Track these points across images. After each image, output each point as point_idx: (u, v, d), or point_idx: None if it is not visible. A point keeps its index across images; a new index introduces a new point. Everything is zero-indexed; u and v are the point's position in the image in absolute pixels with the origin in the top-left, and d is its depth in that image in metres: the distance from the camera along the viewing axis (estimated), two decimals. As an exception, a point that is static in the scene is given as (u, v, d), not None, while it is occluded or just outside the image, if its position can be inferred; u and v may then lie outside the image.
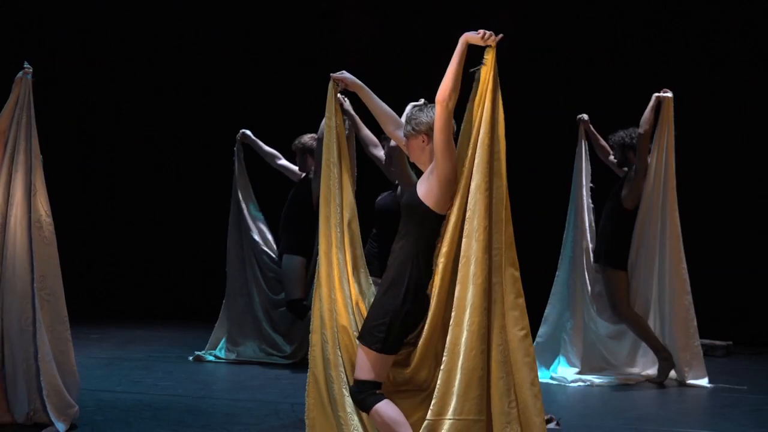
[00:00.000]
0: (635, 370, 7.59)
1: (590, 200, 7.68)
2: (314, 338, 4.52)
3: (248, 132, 8.26)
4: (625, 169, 7.56)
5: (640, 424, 6.09)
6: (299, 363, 7.83)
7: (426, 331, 4.24)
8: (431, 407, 4.16)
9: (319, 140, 6.33)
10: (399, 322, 4.23)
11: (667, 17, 10.03)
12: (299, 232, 7.91)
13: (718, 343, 8.89)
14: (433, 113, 4.27)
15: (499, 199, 4.19)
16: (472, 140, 4.22)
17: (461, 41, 4.21)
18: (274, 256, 8.14)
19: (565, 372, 7.40)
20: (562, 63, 9.97)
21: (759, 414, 6.42)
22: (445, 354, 4.16)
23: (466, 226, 4.17)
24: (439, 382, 4.16)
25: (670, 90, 7.42)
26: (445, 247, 4.22)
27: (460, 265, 4.18)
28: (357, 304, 4.47)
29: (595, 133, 7.74)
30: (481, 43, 4.20)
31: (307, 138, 7.99)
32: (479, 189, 4.16)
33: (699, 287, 7.52)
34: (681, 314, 7.31)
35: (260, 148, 8.27)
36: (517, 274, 4.20)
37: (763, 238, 9.73)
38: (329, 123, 4.57)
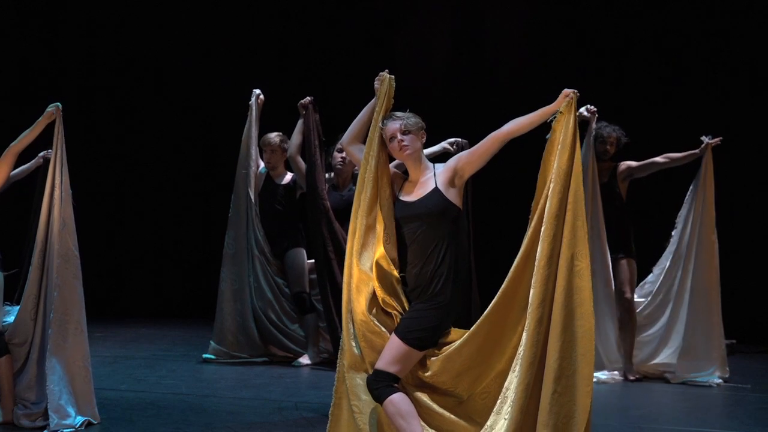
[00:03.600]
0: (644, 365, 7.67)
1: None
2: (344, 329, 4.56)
3: (262, 96, 8.07)
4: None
5: (643, 422, 6.08)
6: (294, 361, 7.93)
7: (462, 341, 4.38)
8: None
9: (306, 142, 6.39)
10: (443, 324, 4.44)
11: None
12: (298, 228, 8.06)
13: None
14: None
15: (570, 243, 4.28)
16: (545, 191, 4.35)
17: (553, 107, 4.38)
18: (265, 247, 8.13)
19: None
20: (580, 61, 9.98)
21: (763, 412, 6.41)
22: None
23: (535, 273, 4.29)
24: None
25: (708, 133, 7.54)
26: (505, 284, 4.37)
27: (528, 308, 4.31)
28: (383, 299, 4.48)
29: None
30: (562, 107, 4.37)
31: (275, 137, 7.99)
32: (544, 234, 4.29)
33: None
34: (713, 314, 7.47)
35: (256, 119, 8.08)
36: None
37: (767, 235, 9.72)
38: (377, 117, 4.58)
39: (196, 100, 11.21)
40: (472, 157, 4.53)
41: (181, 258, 11.33)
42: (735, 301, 9.47)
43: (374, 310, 4.46)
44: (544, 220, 4.29)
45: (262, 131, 8.13)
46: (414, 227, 4.50)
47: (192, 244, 11.35)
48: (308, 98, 6.47)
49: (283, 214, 8.06)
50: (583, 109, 7.41)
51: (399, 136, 4.55)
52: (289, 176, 8.10)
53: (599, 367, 7.45)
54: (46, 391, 5.54)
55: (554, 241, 4.27)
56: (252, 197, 8.01)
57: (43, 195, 5.66)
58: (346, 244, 5.88)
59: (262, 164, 8.16)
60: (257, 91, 8.08)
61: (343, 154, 6.93)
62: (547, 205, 4.29)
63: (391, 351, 4.38)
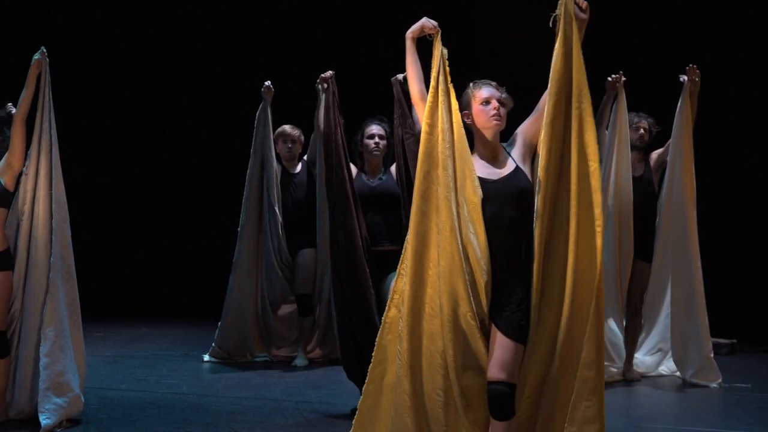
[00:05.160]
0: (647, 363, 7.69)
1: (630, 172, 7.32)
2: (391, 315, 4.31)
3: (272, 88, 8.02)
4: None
5: (644, 422, 6.08)
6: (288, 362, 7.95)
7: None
8: None
9: (326, 134, 6.15)
10: None
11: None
12: (310, 225, 7.99)
13: (722, 341, 8.86)
14: None
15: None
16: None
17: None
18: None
19: None
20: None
21: (763, 412, 6.41)
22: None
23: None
24: None
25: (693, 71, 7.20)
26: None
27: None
28: (486, 287, 4.14)
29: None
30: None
31: (294, 129, 8.05)
32: (543, 139, 4.17)
33: (703, 285, 7.51)
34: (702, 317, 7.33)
35: (269, 114, 8.06)
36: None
37: (768, 235, 9.73)
38: (436, 83, 4.26)
39: (201, 98, 11.19)
40: (537, 124, 4.24)
41: (182, 257, 11.32)
42: (735, 301, 9.49)
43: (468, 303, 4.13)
44: (543, 126, 4.13)
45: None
46: (495, 209, 4.17)
47: (193, 244, 11.34)
48: (330, 72, 6.30)
49: (301, 202, 8.02)
50: (611, 78, 7.18)
51: (495, 103, 4.27)
52: (300, 166, 8.14)
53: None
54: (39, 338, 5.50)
55: (553, 142, 4.08)
56: (275, 205, 7.94)
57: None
58: (362, 235, 5.80)
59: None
60: (267, 83, 8.03)
61: (377, 140, 6.34)
62: (546, 107, 4.12)
63: (515, 359, 4.09)
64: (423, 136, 4.27)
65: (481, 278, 4.12)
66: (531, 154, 4.30)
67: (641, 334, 7.67)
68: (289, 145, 8.06)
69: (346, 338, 5.90)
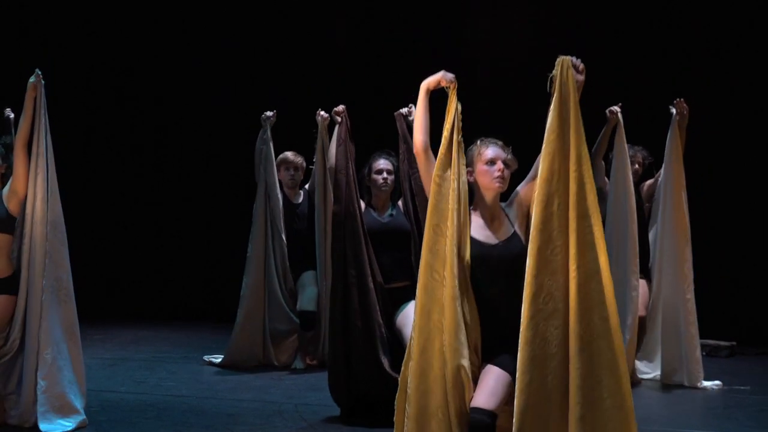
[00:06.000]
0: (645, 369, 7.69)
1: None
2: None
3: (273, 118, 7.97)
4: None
5: (643, 424, 6.06)
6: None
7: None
8: None
9: (338, 168, 6.04)
10: None
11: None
12: (312, 255, 7.95)
13: (722, 343, 8.88)
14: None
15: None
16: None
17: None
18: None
19: None
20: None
21: (763, 414, 6.42)
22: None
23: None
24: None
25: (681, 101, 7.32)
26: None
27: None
28: (477, 347, 4.16)
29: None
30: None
31: (297, 156, 8.05)
32: (537, 198, 4.08)
33: (703, 287, 7.52)
34: (689, 321, 7.33)
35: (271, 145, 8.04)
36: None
37: (768, 237, 9.74)
38: (450, 136, 4.23)
39: (201, 101, 11.19)
40: (534, 188, 4.16)
41: (182, 259, 11.32)
42: (735, 303, 9.50)
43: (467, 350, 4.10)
44: (536, 186, 4.08)
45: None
46: (490, 273, 4.22)
47: (193, 246, 11.34)
48: (342, 106, 6.29)
49: (303, 234, 8.00)
50: (610, 109, 7.29)
51: (500, 164, 4.29)
52: (302, 195, 8.12)
53: None
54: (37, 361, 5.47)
55: (547, 201, 4.02)
56: (282, 231, 7.90)
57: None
58: (373, 272, 5.71)
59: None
60: (269, 113, 7.96)
61: (385, 175, 6.15)
62: (540, 168, 4.08)
63: (505, 391, 4.09)
64: (433, 188, 4.24)
65: (474, 337, 4.13)
66: (528, 216, 4.25)
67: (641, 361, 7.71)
68: (292, 173, 8.05)
69: (337, 366, 5.88)
